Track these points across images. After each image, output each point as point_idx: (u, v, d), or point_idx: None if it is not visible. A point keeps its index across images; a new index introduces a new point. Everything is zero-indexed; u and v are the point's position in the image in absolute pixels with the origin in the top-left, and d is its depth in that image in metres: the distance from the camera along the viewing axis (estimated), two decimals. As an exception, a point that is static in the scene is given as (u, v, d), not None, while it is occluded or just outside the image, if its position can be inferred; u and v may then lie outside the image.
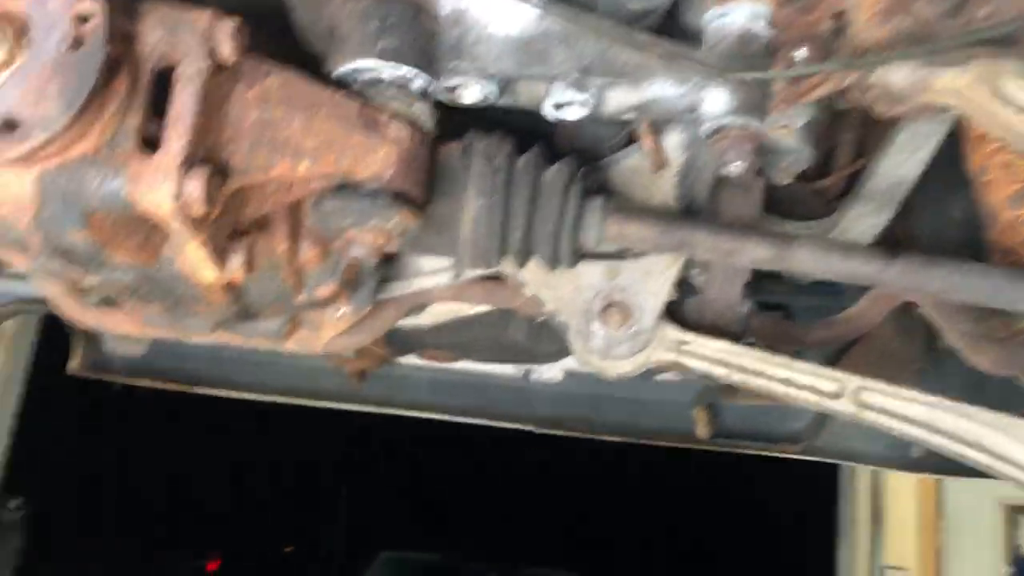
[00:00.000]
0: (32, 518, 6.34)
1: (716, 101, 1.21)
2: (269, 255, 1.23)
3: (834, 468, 5.10)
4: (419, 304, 1.71)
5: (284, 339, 1.45)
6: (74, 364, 3.30)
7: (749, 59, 1.16)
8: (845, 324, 1.69)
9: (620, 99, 1.26)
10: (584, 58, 1.19)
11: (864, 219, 1.64)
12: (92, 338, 3.19)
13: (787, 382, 1.46)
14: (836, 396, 1.44)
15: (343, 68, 1.15)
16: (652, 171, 1.56)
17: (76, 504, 7.59)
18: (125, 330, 1.55)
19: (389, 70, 1.15)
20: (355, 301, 1.47)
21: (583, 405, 3.34)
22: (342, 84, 1.16)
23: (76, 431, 7.22)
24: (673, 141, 1.57)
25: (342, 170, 1.09)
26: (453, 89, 1.24)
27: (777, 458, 3.22)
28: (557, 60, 1.20)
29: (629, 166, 1.58)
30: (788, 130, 1.50)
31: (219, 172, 0.98)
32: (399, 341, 2.44)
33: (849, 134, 1.97)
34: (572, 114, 1.24)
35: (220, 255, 1.04)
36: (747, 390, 1.49)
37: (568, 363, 3.26)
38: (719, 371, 1.48)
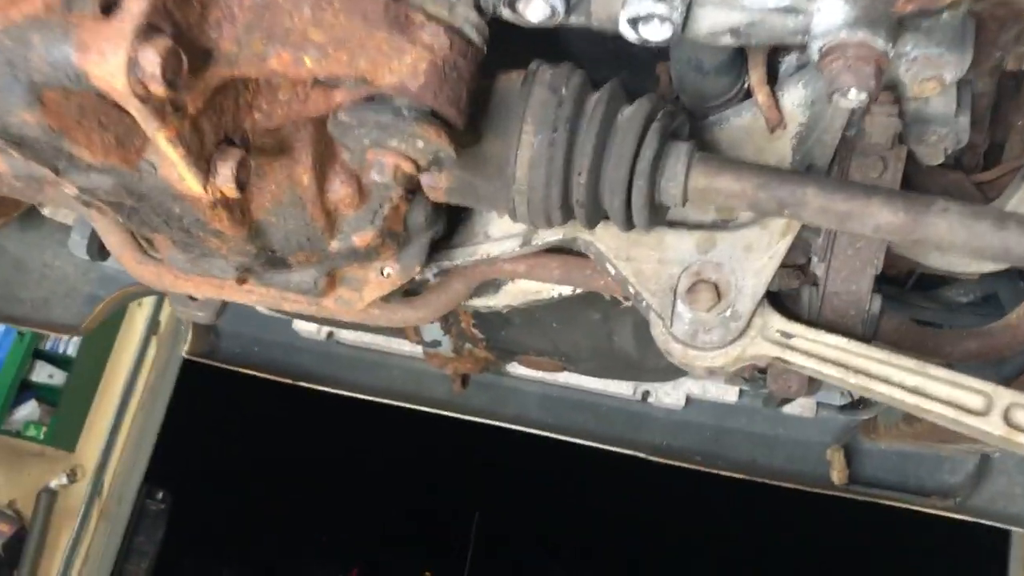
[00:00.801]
0: (175, 511, 6.54)
1: (830, 13, 0.96)
2: (291, 186, 1.07)
3: (1004, 533, 4.46)
4: (489, 279, 1.52)
5: (321, 296, 1.28)
6: (187, 348, 3.32)
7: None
8: (1003, 335, 1.37)
9: (713, 17, 1.03)
10: (665, -42, 0.97)
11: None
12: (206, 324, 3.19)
13: (918, 392, 1.17)
14: (981, 414, 1.14)
15: (380, -34, 0.99)
16: (767, 131, 1.31)
17: (218, 501, 7.77)
18: (173, 285, 1.44)
19: (432, -30, 0.98)
20: (403, 259, 1.29)
21: (705, 437, 3.06)
22: (379, -13, 0.99)
23: (222, 427, 7.41)
24: (793, 97, 1.32)
25: (357, 73, 0.91)
26: (513, 1, 1.04)
27: (926, 514, 2.81)
28: (633, -39, 0.98)
29: (740, 125, 1.33)
30: (936, 83, 1.22)
31: (198, 53, 0.83)
32: (499, 343, 2.28)
33: (1024, 118, 1.65)
34: (654, 33, 1.02)
35: (202, 160, 0.88)
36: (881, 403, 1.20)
37: (691, 388, 3.01)
38: (832, 372, 1.21)
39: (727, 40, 1.06)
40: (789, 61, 1.36)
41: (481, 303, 1.62)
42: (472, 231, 1.41)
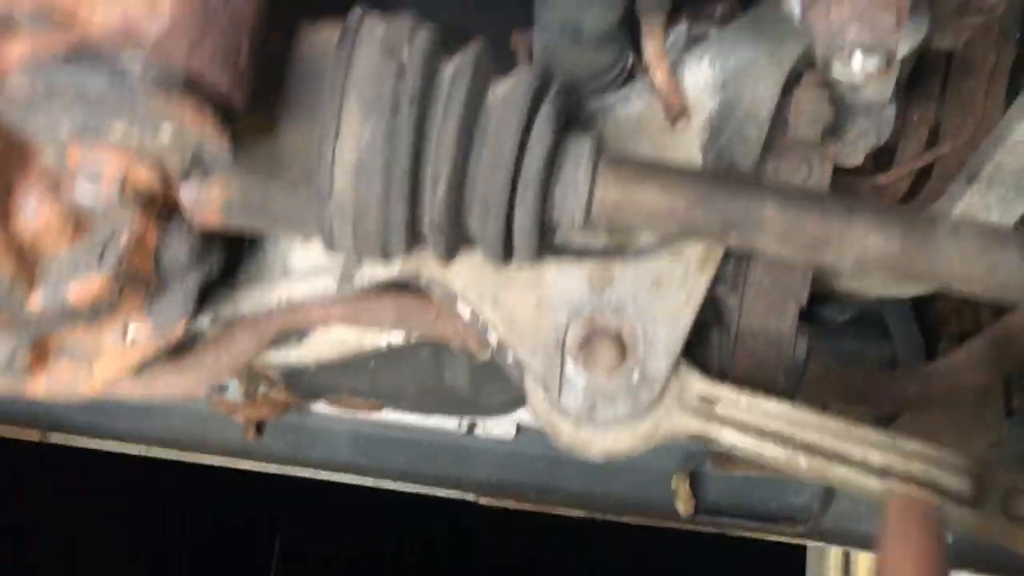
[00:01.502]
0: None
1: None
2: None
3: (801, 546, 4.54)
4: (292, 328, 1.10)
5: (26, 376, 0.82)
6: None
7: None
8: (948, 378, 1.10)
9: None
10: None
11: (982, 202, 1.05)
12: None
13: (888, 473, 0.87)
14: (970, 503, 0.86)
15: None
16: (668, 124, 0.98)
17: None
18: None
19: None
20: (157, 314, 0.85)
21: (537, 470, 2.74)
22: None
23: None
24: (696, 78, 0.98)
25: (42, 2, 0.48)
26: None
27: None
28: None
29: (630, 117, 0.99)
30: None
31: None
32: (302, 386, 1.85)
33: (924, 111, 1.41)
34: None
35: None
36: (813, 477, 0.90)
37: (521, 416, 2.70)
38: (773, 452, 0.89)
39: None
40: (678, 33, 1.03)
41: (280, 358, 1.19)
42: (264, 263, 0.99)
